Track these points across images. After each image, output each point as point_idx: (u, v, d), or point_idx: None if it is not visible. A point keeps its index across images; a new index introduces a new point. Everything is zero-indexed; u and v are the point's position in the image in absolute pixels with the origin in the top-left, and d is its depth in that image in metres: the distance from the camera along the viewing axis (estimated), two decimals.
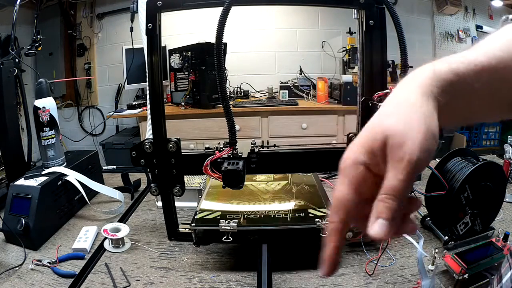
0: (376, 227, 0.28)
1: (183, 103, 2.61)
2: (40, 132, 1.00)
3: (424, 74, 0.33)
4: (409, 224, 0.32)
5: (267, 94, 2.91)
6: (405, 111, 0.30)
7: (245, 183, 0.70)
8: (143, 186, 1.25)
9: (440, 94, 0.32)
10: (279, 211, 0.80)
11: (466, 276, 0.64)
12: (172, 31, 2.82)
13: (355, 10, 0.76)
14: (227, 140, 0.73)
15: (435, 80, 0.32)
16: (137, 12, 1.00)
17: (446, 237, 0.80)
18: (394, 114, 0.31)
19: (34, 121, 1.00)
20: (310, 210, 0.79)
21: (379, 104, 0.68)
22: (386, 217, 0.28)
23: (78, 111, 3.28)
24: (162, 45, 0.77)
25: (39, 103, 0.98)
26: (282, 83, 2.88)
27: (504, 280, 0.43)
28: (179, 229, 0.89)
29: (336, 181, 0.32)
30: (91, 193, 1.10)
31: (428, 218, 0.88)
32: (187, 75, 2.57)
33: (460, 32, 3.13)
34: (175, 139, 0.80)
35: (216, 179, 0.71)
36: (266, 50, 3.02)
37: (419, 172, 0.29)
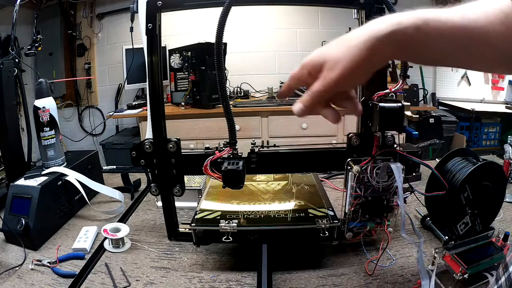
0: (296, 106, 0.49)
1: (183, 103, 2.62)
2: (40, 132, 1.00)
3: (384, 24, 0.41)
4: (333, 113, 0.51)
5: (267, 94, 2.91)
6: (346, 47, 0.43)
7: (245, 183, 0.70)
8: (143, 186, 1.25)
9: (385, 44, 0.41)
10: (279, 211, 0.80)
11: (466, 276, 0.64)
12: (172, 31, 2.82)
13: (355, 10, 0.76)
14: (227, 140, 0.73)
15: (389, 35, 0.40)
16: (137, 12, 1.00)
17: (446, 237, 0.80)
18: (337, 48, 0.44)
19: (34, 121, 1.00)
20: (310, 210, 0.79)
21: (379, 104, 0.68)
22: (303, 104, 0.48)
23: (78, 111, 3.29)
24: (162, 45, 0.77)
25: (39, 103, 0.98)
26: (282, 83, 2.88)
27: (511, 269, 0.43)
28: (179, 229, 0.89)
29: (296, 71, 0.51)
30: (91, 193, 1.10)
31: (428, 218, 0.88)
32: (187, 75, 2.57)
33: None
34: (175, 139, 0.80)
35: (216, 179, 0.71)
36: (266, 50, 3.03)
37: (335, 89, 0.45)
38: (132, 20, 1.16)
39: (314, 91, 0.46)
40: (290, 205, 0.83)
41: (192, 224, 0.76)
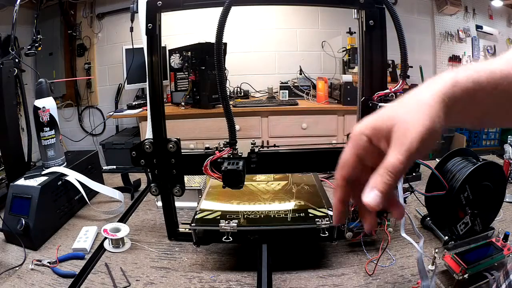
0: (370, 196, 0.33)
1: (183, 103, 2.61)
2: (40, 132, 1.00)
3: (443, 82, 0.36)
4: (399, 206, 0.38)
5: (267, 94, 2.91)
6: (416, 107, 0.34)
7: (245, 183, 0.70)
8: (143, 186, 1.25)
9: (453, 101, 0.35)
10: (279, 211, 0.80)
11: (466, 276, 0.64)
12: (172, 31, 2.82)
13: (355, 10, 0.76)
14: (227, 140, 0.73)
15: (451, 89, 0.35)
16: (137, 12, 1.00)
17: (446, 237, 0.80)
18: (405, 107, 0.35)
19: (34, 121, 1.00)
20: (310, 210, 0.79)
21: (379, 104, 0.68)
22: (381, 189, 0.33)
23: (78, 111, 3.28)
24: (162, 45, 0.77)
25: (39, 103, 0.98)
26: (282, 83, 2.88)
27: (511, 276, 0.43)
28: (179, 229, 0.89)
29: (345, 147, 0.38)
30: (91, 193, 1.10)
31: (428, 218, 0.88)
32: (187, 75, 2.57)
33: (460, 32, 3.13)
34: (175, 139, 0.80)
35: (216, 179, 0.71)
36: (266, 50, 3.02)
37: (414, 159, 0.34)
38: (132, 20, 1.16)
39: (392, 165, 0.33)
40: (290, 205, 0.83)
41: (192, 224, 0.76)
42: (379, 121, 0.36)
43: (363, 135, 0.36)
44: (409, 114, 0.34)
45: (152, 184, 0.83)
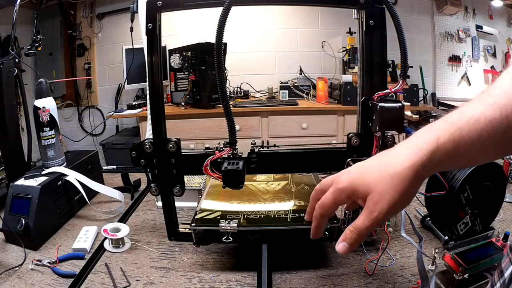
0: (340, 246, 0.43)
1: (183, 103, 2.61)
2: (40, 132, 1.00)
3: (423, 148, 0.39)
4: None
5: (267, 94, 2.91)
6: (389, 178, 0.40)
7: (245, 183, 0.70)
8: (143, 186, 1.25)
9: (430, 169, 0.39)
10: (279, 211, 0.80)
11: (466, 276, 0.64)
12: (172, 31, 2.82)
13: (355, 10, 0.76)
14: (227, 140, 0.73)
15: (430, 158, 0.38)
16: (137, 12, 1.00)
17: (446, 237, 0.80)
18: (382, 176, 0.41)
19: (34, 121, 1.00)
20: None
21: (379, 104, 0.68)
22: (348, 243, 0.42)
23: (78, 111, 3.28)
24: (162, 45, 0.77)
25: (39, 103, 0.98)
26: (282, 83, 2.89)
27: (506, 274, 0.43)
28: (179, 229, 0.89)
29: (329, 189, 0.45)
30: (91, 193, 1.10)
31: (428, 218, 0.88)
32: (187, 75, 2.57)
33: (460, 32, 3.13)
34: (175, 139, 0.80)
35: (216, 179, 0.71)
36: (266, 50, 3.02)
37: (381, 222, 0.42)
38: (132, 20, 1.16)
39: (361, 228, 0.41)
40: (290, 205, 0.83)
41: (192, 224, 0.76)
42: (358, 184, 0.42)
43: (344, 193, 0.43)
44: (382, 184, 0.40)
45: (152, 184, 0.83)
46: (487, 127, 0.35)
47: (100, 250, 0.84)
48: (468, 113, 0.37)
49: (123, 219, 1.00)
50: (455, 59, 3.16)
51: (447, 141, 0.37)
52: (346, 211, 0.74)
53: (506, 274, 0.43)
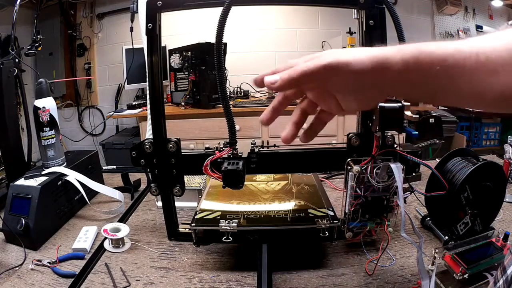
0: (271, 76, 0.41)
1: (183, 103, 2.62)
2: (40, 132, 1.00)
3: (388, 48, 0.39)
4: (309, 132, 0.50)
5: (267, 94, 2.91)
6: (349, 52, 0.39)
7: (245, 183, 0.70)
8: (143, 186, 1.25)
9: (387, 66, 0.38)
10: (279, 211, 0.80)
11: (466, 276, 0.64)
12: (172, 31, 2.82)
13: (355, 10, 0.76)
14: (227, 140, 0.73)
15: (393, 55, 0.38)
16: (137, 12, 1.00)
17: (446, 237, 0.80)
18: (341, 51, 0.40)
19: (34, 121, 1.00)
20: (310, 210, 0.79)
21: (379, 104, 0.68)
22: (281, 75, 0.40)
23: (78, 111, 3.29)
24: (162, 45, 0.77)
25: (39, 103, 0.98)
26: None
27: (509, 271, 0.43)
28: (179, 229, 0.89)
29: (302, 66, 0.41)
30: (91, 193, 1.10)
31: (428, 218, 0.88)
32: (187, 75, 2.57)
33: (460, 32, 3.14)
34: (175, 139, 0.80)
35: (216, 179, 0.71)
36: (266, 50, 3.03)
37: (322, 75, 0.39)
38: (132, 20, 1.16)
39: (300, 65, 0.40)
40: (290, 205, 0.83)
41: (192, 224, 0.76)
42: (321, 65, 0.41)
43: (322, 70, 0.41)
44: (339, 53, 0.39)
45: (152, 184, 0.83)
46: (454, 53, 0.35)
47: (100, 250, 0.84)
48: (437, 41, 0.37)
49: (123, 219, 1.00)
50: None
51: (411, 47, 0.37)
52: (346, 212, 0.74)
53: (509, 271, 0.43)
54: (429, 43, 0.37)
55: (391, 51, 0.38)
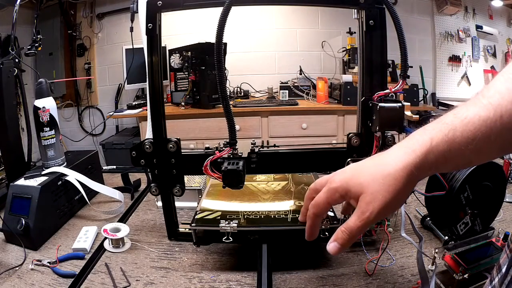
0: (331, 246, 0.43)
1: (183, 103, 2.61)
2: (40, 132, 1.00)
3: (417, 149, 0.39)
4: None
5: (267, 94, 2.91)
6: (381, 179, 0.40)
7: (245, 183, 0.70)
8: (143, 186, 1.25)
9: (425, 170, 0.39)
10: (279, 211, 0.80)
11: (466, 276, 0.64)
12: (172, 31, 2.82)
13: (355, 10, 0.76)
14: (227, 140, 0.73)
15: (424, 159, 0.38)
16: (137, 12, 1.00)
17: (446, 237, 0.80)
18: (376, 177, 0.41)
19: (34, 121, 1.00)
20: None
21: (379, 104, 0.68)
22: (339, 243, 0.43)
23: (78, 111, 3.28)
24: (162, 45, 0.77)
25: (39, 103, 0.98)
26: (282, 83, 2.88)
27: (504, 269, 0.43)
28: (179, 229, 0.89)
29: (322, 189, 0.45)
30: (91, 193, 1.10)
31: (428, 218, 0.88)
32: (187, 75, 2.57)
33: (460, 32, 3.13)
34: (175, 139, 0.80)
35: (216, 179, 0.71)
36: (266, 50, 3.02)
37: (372, 223, 0.42)
38: (132, 20, 1.16)
39: (353, 228, 0.41)
40: (290, 205, 0.83)
41: (192, 224, 0.76)
42: (351, 184, 0.42)
43: (337, 193, 0.43)
44: (375, 185, 0.40)
45: (152, 184, 0.83)
46: (481, 127, 0.35)
47: (100, 250, 0.84)
48: (462, 114, 0.37)
49: (123, 219, 1.00)
50: (455, 59, 3.16)
51: (441, 142, 0.37)
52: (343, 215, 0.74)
53: (504, 270, 0.43)
54: (456, 123, 0.37)
55: (422, 157, 0.38)
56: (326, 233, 0.74)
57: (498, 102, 0.35)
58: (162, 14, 0.75)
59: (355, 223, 0.41)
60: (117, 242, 0.86)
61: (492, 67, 3.23)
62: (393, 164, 0.40)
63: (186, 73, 2.56)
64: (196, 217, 0.78)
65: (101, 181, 1.18)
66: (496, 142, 0.35)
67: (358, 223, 0.41)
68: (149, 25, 0.74)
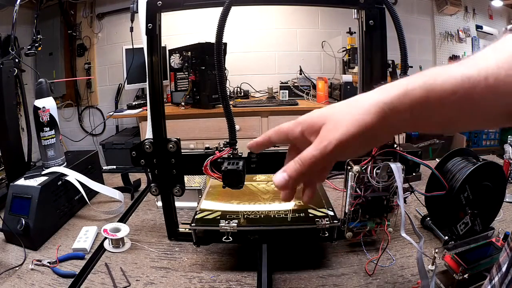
0: (278, 176, 0.38)
1: (183, 103, 2.61)
2: (40, 132, 1.00)
3: (392, 90, 0.36)
4: (309, 192, 0.42)
5: (267, 94, 2.91)
6: (349, 110, 0.36)
7: (245, 183, 0.70)
8: (143, 186, 1.25)
9: (397, 111, 0.35)
10: (279, 211, 0.80)
11: (466, 276, 0.64)
12: (172, 31, 2.82)
13: (355, 10, 0.76)
14: (227, 140, 0.73)
15: (398, 99, 0.35)
16: (137, 12, 1.00)
17: (446, 237, 0.80)
18: (341, 108, 0.38)
19: (34, 121, 1.00)
20: (310, 210, 0.79)
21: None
22: (289, 173, 0.37)
23: (78, 111, 3.28)
24: (162, 45, 0.77)
25: (39, 103, 0.98)
26: (282, 83, 2.88)
27: (504, 268, 0.43)
28: (179, 229, 0.89)
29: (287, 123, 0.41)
30: (91, 193, 1.10)
31: (428, 218, 0.88)
32: (187, 75, 2.57)
33: (460, 32, 3.13)
34: (175, 139, 0.80)
35: (216, 179, 0.71)
36: (266, 50, 3.02)
37: (331, 158, 0.36)
38: (132, 20, 1.16)
39: (305, 157, 0.37)
40: (290, 205, 0.83)
41: (192, 224, 0.76)
42: (315, 117, 0.39)
43: (300, 125, 0.39)
44: (339, 115, 0.36)
45: (152, 184, 0.83)
46: (463, 83, 0.32)
47: (100, 250, 0.84)
48: (443, 69, 0.34)
49: (123, 219, 1.00)
50: (455, 59, 3.15)
51: (418, 87, 0.34)
52: (346, 212, 0.74)
53: (504, 268, 0.43)
54: (436, 74, 0.34)
55: (396, 97, 0.35)
56: (326, 233, 0.74)
57: (485, 64, 0.32)
58: (162, 14, 0.75)
59: (310, 152, 0.36)
60: (117, 242, 0.86)
61: None
62: (364, 100, 0.36)
63: (186, 73, 2.56)
64: (196, 217, 0.78)
65: (101, 181, 1.18)
66: (480, 106, 0.33)
67: (313, 152, 0.36)
68: (149, 25, 0.74)
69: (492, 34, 3.20)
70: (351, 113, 0.36)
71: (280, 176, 0.38)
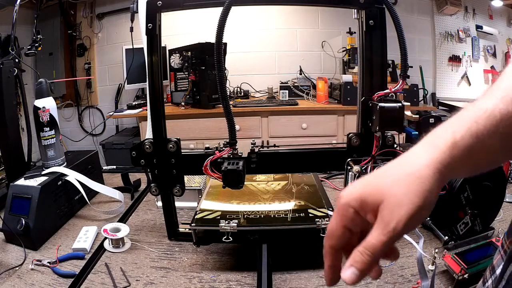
0: (347, 273, 0.33)
1: (183, 103, 2.61)
2: (40, 132, 1.00)
3: (440, 145, 0.33)
4: (377, 268, 0.34)
5: (267, 94, 2.91)
6: (406, 180, 0.32)
7: (245, 183, 0.70)
8: (143, 186, 1.25)
9: (451, 168, 0.33)
10: (279, 211, 0.80)
11: (466, 276, 0.64)
12: (172, 31, 2.82)
13: (355, 10, 0.76)
14: (227, 140, 0.73)
15: (449, 154, 0.33)
16: (137, 12, 1.00)
17: (446, 237, 0.80)
18: (394, 178, 0.33)
19: (34, 121, 1.00)
20: (310, 210, 0.79)
21: (379, 104, 0.68)
22: (358, 268, 0.32)
23: (78, 111, 3.28)
24: (162, 45, 0.77)
25: (39, 103, 0.98)
26: (282, 83, 2.88)
27: (498, 271, 0.43)
28: (179, 229, 0.89)
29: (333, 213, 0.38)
30: (91, 193, 1.10)
31: (428, 218, 0.88)
32: (187, 75, 2.56)
33: (460, 32, 3.13)
34: (175, 139, 0.80)
35: (216, 179, 0.71)
36: (266, 50, 3.02)
37: (398, 239, 0.32)
38: (132, 20, 1.16)
39: (374, 246, 0.32)
40: (290, 205, 0.83)
41: (192, 224, 0.76)
42: (367, 192, 0.34)
43: (350, 208, 0.34)
44: (398, 188, 0.32)
45: (152, 184, 0.83)
46: (502, 120, 0.32)
47: (100, 250, 0.84)
48: (481, 107, 0.33)
49: (123, 219, 1.00)
50: (455, 59, 3.16)
51: (465, 135, 0.32)
52: None
53: (498, 271, 0.43)
54: (478, 116, 0.33)
55: (448, 153, 0.33)
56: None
57: None
58: (162, 14, 0.75)
59: (378, 238, 0.32)
60: (117, 242, 0.86)
61: (492, 67, 3.23)
62: (417, 162, 0.33)
63: (186, 73, 2.56)
64: (196, 217, 0.78)
65: (101, 181, 1.18)
66: None
67: (382, 237, 0.31)
68: (149, 25, 0.74)
69: (492, 34, 3.19)
70: (409, 182, 0.32)
71: (350, 272, 0.33)
